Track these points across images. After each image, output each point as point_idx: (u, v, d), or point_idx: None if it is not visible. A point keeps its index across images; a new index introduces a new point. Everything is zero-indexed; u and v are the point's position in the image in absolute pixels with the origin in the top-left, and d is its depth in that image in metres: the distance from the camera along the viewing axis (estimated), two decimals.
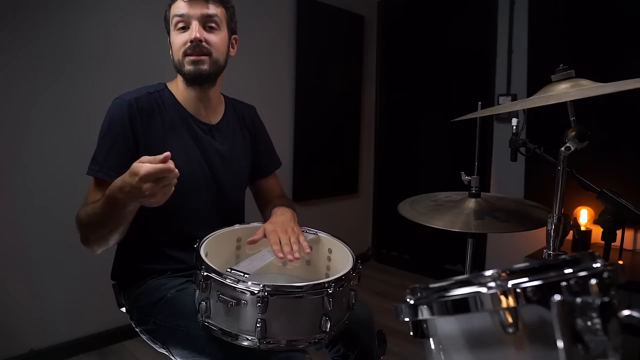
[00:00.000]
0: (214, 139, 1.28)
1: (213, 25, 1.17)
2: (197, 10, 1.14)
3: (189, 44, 1.14)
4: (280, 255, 1.06)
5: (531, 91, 2.37)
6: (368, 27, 3.56)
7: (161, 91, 1.24)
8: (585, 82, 0.98)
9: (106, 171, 1.11)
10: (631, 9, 2.34)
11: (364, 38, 3.54)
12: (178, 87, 1.25)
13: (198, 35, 1.13)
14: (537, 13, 2.75)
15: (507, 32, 2.89)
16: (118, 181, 0.93)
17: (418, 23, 3.41)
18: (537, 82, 1.13)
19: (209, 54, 1.17)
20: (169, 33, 1.22)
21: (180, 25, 1.15)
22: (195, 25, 1.14)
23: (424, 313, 0.62)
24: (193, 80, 1.19)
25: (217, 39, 1.18)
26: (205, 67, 1.17)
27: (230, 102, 1.38)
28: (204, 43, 1.15)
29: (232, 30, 1.25)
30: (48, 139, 2.04)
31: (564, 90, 0.98)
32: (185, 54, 1.15)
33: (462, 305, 0.58)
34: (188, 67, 1.16)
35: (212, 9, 1.16)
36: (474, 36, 3.09)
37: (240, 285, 0.89)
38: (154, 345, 1.18)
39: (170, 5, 1.19)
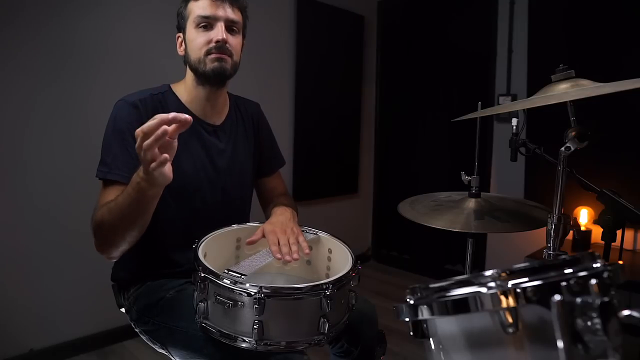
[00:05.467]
0: (218, 140, 1.28)
1: (235, 29, 1.20)
2: (223, 13, 1.16)
3: (213, 43, 1.15)
4: (279, 256, 1.06)
5: (531, 91, 2.38)
6: (368, 27, 3.56)
7: (165, 93, 1.23)
8: (585, 82, 0.98)
9: (116, 172, 1.10)
10: (631, 9, 2.34)
11: (364, 38, 3.53)
12: (186, 87, 1.24)
13: (225, 36, 1.15)
14: (537, 13, 2.75)
15: (507, 32, 2.90)
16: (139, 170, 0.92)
17: (418, 23, 3.40)
18: (537, 82, 1.13)
19: (230, 55, 1.18)
20: (180, 29, 1.21)
21: (204, 24, 1.16)
22: (220, 26, 1.15)
23: (424, 313, 0.62)
24: (213, 78, 1.18)
25: (236, 42, 1.21)
26: (227, 66, 1.18)
27: (233, 100, 1.37)
28: (227, 45, 1.16)
29: (244, 37, 1.28)
30: (48, 139, 2.03)
31: (564, 90, 0.97)
32: (208, 53, 1.16)
33: (462, 305, 0.57)
34: (211, 65, 1.16)
35: (236, 14, 1.20)
36: (474, 36, 3.09)
37: (237, 287, 0.88)
38: (153, 346, 1.18)
39: (187, 2, 1.18)
